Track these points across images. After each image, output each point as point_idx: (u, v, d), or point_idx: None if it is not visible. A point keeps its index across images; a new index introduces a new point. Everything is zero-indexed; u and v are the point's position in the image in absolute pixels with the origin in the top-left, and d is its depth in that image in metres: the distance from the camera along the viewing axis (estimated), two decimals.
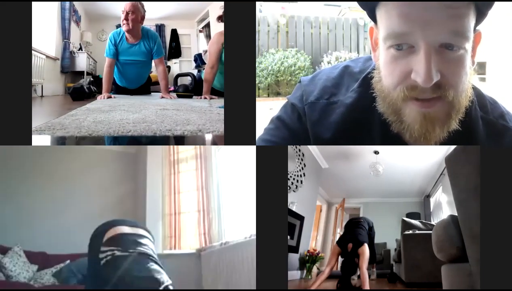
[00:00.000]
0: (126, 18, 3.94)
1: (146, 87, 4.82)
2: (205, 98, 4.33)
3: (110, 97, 4.05)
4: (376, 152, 4.42)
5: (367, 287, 2.75)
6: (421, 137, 1.07)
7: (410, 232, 3.37)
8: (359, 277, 2.99)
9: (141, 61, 4.31)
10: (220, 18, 4.32)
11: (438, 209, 5.39)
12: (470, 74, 1.08)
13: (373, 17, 1.12)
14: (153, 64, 4.53)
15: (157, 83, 6.01)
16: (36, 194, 3.34)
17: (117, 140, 2.07)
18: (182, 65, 8.04)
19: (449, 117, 1.07)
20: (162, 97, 4.31)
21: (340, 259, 3.24)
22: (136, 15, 3.92)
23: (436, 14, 0.99)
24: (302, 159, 3.97)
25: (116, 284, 1.47)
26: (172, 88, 5.23)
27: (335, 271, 3.46)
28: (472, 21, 1.03)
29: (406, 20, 1.01)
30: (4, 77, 1.83)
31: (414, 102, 1.05)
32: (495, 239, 1.60)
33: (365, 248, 3.05)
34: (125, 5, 3.89)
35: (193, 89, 4.88)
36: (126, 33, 4.03)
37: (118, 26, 6.32)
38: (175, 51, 8.04)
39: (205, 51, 6.01)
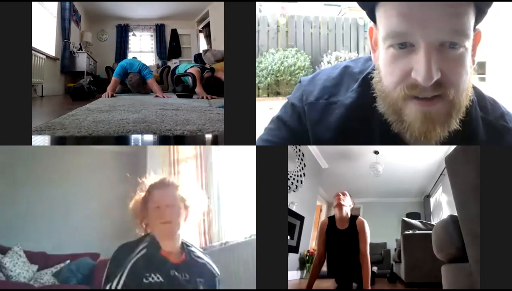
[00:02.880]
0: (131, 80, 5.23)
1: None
2: (206, 98, 4.34)
3: (113, 96, 4.80)
4: (376, 152, 4.41)
5: (369, 276, 2.34)
6: (421, 136, 1.07)
7: (410, 232, 3.37)
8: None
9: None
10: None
11: (438, 209, 5.39)
12: (471, 74, 1.08)
13: (372, 17, 1.12)
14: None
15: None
16: (36, 194, 3.34)
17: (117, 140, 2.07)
18: None
19: (449, 116, 1.07)
20: (156, 96, 4.90)
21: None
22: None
23: (435, 13, 0.99)
24: (302, 159, 3.97)
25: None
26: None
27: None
28: (471, 19, 1.03)
29: (405, 20, 1.01)
30: (4, 77, 1.83)
31: (415, 101, 1.05)
32: (495, 239, 1.60)
33: (363, 221, 2.52)
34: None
35: (193, 89, 4.89)
36: None
37: (118, 26, 6.37)
38: (175, 51, 8.05)
39: (205, 51, 6.04)
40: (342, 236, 2.51)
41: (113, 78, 5.11)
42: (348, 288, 2.54)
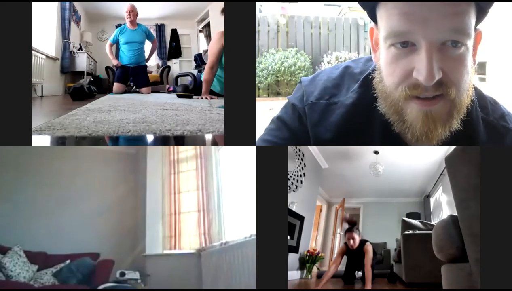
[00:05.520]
0: (129, 14, 5.68)
1: (143, 69, 5.92)
2: (206, 98, 4.34)
3: (119, 63, 5.68)
4: (376, 152, 4.41)
5: (369, 283, 2.86)
6: (423, 136, 1.07)
7: (410, 232, 3.36)
8: (363, 282, 3.19)
9: (138, 42, 5.81)
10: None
11: (438, 209, 5.38)
12: (472, 74, 1.08)
13: (373, 17, 1.12)
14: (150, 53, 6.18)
15: (156, 83, 6.26)
16: (36, 194, 3.34)
17: (117, 140, 2.07)
18: (182, 65, 8.03)
19: (450, 116, 1.07)
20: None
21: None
22: (134, 12, 5.74)
23: (436, 12, 0.99)
24: (302, 159, 3.97)
25: None
26: (171, 88, 6.30)
27: (338, 272, 3.58)
28: (472, 18, 1.03)
29: (406, 19, 1.01)
30: (4, 77, 1.83)
31: (416, 101, 1.05)
32: (495, 239, 1.60)
33: (369, 246, 3.25)
34: (128, 7, 5.70)
35: (193, 89, 4.89)
36: (128, 23, 5.73)
37: (118, 26, 6.47)
38: (175, 51, 8.04)
39: (205, 51, 6.04)
40: (354, 254, 3.35)
41: (108, 42, 5.71)
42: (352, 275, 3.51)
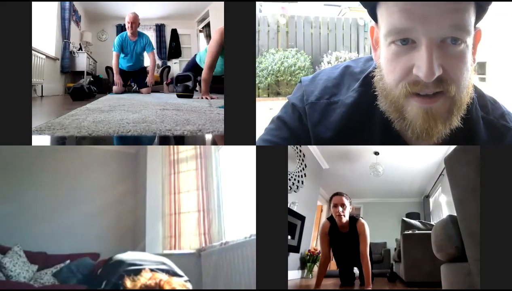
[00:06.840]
0: (131, 26, 5.55)
1: (143, 70, 5.92)
2: (206, 98, 4.34)
3: (120, 78, 5.64)
4: (376, 153, 4.42)
5: (369, 275, 2.54)
6: (423, 133, 1.08)
7: (410, 232, 3.37)
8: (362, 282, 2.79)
9: (137, 52, 5.77)
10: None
11: (438, 209, 5.39)
12: (471, 72, 1.08)
13: (373, 15, 1.13)
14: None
15: (156, 83, 6.32)
16: (36, 194, 3.34)
17: (117, 140, 2.07)
18: (182, 65, 8.03)
19: (450, 113, 1.07)
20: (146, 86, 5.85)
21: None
22: (136, 23, 5.61)
23: (436, 9, 1.00)
24: (303, 160, 3.97)
25: None
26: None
27: (333, 271, 3.41)
28: (472, 16, 1.04)
29: (407, 16, 1.02)
30: (4, 77, 1.83)
31: (416, 98, 1.06)
32: (495, 238, 1.60)
33: (364, 224, 2.60)
34: (130, 18, 5.56)
35: (193, 89, 4.89)
36: (129, 33, 5.63)
37: (118, 26, 6.50)
38: (175, 51, 8.04)
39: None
40: (344, 239, 2.72)
41: (114, 53, 5.60)
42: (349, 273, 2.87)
